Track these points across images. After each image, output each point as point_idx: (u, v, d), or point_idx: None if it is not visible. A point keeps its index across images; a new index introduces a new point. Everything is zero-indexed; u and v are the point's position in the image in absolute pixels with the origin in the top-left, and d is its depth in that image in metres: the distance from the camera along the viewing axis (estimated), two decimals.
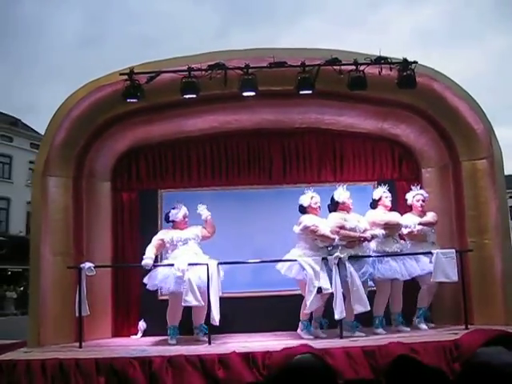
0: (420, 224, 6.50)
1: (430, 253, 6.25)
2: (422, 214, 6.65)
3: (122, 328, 6.91)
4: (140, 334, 6.75)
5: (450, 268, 6.18)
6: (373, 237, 6.25)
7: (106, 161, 7.00)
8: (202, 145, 7.32)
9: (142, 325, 6.77)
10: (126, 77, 6.07)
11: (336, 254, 6.04)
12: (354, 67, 6.18)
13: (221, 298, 6.04)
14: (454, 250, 6.30)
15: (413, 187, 6.83)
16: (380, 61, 6.23)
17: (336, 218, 6.24)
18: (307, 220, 6.19)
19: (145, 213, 7.17)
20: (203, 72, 6.07)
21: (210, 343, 5.82)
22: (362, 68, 6.15)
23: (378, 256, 6.27)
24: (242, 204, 7.18)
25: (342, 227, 6.16)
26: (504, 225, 6.52)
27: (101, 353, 5.41)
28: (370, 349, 5.05)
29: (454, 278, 6.18)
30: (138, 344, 6.15)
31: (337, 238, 6.10)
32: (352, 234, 6.18)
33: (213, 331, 5.96)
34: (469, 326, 6.28)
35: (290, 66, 6.14)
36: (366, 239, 6.25)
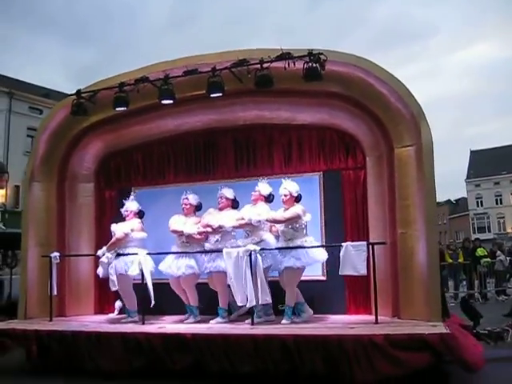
0: (267, 221, 6.47)
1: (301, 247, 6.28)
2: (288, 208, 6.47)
3: (104, 306, 8.13)
4: (116, 312, 7.85)
5: (359, 261, 6.10)
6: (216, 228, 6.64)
7: (88, 165, 8.16)
8: (164, 146, 8.12)
9: (117, 304, 7.86)
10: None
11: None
12: (274, 63, 6.41)
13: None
14: (364, 243, 6.20)
15: (283, 180, 6.66)
16: (285, 57, 6.34)
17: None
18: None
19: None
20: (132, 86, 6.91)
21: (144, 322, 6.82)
22: (267, 65, 6.32)
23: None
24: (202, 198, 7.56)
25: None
26: (429, 216, 6.14)
27: (53, 326, 6.82)
28: None
29: (363, 271, 6.09)
30: (100, 320, 7.37)
31: (185, 230, 6.77)
32: (202, 227, 6.77)
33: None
34: (397, 320, 6.28)
35: (200, 72, 6.60)
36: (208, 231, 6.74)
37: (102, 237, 8.21)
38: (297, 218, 6.32)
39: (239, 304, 6.44)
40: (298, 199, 6.51)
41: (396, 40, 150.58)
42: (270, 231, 6.72)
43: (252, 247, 6.40)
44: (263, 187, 6.72)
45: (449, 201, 62.18)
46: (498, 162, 52.01)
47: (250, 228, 6.56)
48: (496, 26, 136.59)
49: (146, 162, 8.24)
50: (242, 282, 6.31)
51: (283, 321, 6.29)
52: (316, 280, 7.06)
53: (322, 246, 6.46)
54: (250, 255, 6.33)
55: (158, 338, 6.02)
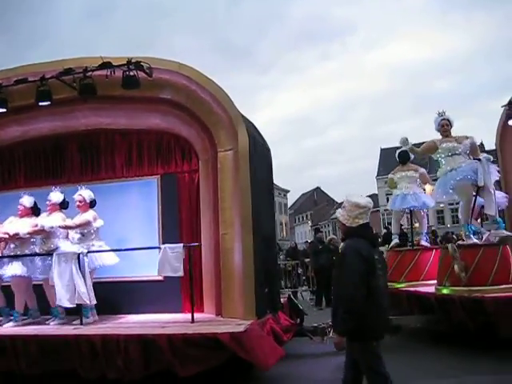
0: (60, 227, 6.24)
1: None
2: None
3: None
4: None
5: (176, 262, 5.85)
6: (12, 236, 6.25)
7: None
8: (15, 151, 7.68)
9: None
10: None
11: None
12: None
13: None
14: (181, 245, 5.95)
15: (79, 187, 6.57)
16: (106, 65, 5.99)
17: None
18: None
19: None
20: None
21: None
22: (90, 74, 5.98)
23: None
24: None
25: None
26: (245, 217, 5.88)
27: None
28: None
29: (180, 272, 5.86)
30: None
31: None
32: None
33: None
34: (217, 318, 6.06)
35: (29, 81, 6.22)
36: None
37: None
38: (87, 224, 6.24)
39: (65, 305, 6.10)
40: (92, 205, 6.45)
41: (315, 38, 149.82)
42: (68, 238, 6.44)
43: (79, 250, 6.15)
44: (55, 196, 6.49)
45: None
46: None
47: (45, 235, 6.30)
48: (414, 26, 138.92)
49: None
50: (67, 284, 6.01)
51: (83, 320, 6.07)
52: (153, 280, 6.70)
53: (137, 249, 6.27)
54: (79, 258, 6.07)
55: None
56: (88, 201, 6.44)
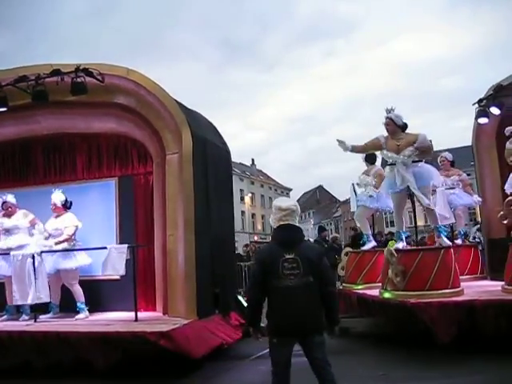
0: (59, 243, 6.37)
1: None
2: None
3: None
4: None
5: (119, 262, 5.87)
6: None
7: None
8: None
9: None
10: None
11: None
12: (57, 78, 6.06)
13: None
14: (125, 246, 5.96)
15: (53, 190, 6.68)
16: (56, 73, 6.02)
17: None
18: None
19: None
20: None
21: None
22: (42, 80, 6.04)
23: None
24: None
25: None
26: (188, 219, 5.89)
27: None
28: None
29: (122, 272, 5.90)
30: None
31: None
32: None
33: None
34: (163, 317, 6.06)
35: None
36: None
37: None
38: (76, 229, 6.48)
39: (19, 303, 6.18)
40: (67, 206, 6.63)
41: (319, 34, 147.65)
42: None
43: (32, 250, 6.21)
44: (11, 198, 6.66)
45: None
46: None
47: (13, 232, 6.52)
48: (420, 23, 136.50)
49: None
50: (25, 282, 6.05)
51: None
52: (110, 280, 6.65)
53: (87, 249, 6.34)
54: (34, 257, 6.11)
55: None
56: (59, 204, 6.58)
